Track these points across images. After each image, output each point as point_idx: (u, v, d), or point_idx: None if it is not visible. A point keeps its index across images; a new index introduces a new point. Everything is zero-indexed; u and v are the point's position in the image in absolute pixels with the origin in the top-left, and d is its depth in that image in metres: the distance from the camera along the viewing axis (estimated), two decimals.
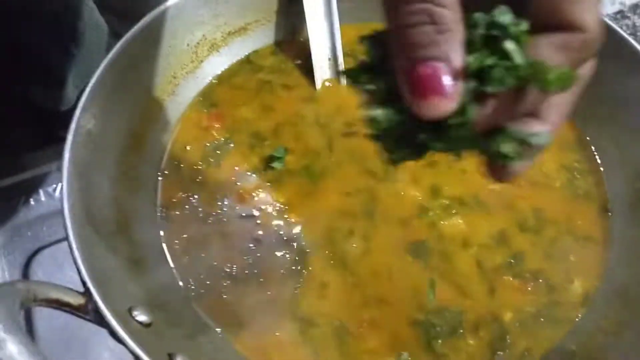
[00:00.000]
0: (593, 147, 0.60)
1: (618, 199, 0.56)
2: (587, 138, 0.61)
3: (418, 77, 0.24)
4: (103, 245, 0.49)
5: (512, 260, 0.54)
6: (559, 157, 0.60)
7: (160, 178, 0.59)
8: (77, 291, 0.44)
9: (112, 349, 0.61)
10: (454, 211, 0.57)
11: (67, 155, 0.49)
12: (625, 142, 0.58)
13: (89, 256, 0.45)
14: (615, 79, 0.58)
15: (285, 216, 0.57)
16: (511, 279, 0.53)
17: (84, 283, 0.44)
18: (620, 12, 1.38)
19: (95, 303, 0.43)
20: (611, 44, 0.56)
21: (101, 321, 0.43)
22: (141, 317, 0.46)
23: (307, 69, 0.67)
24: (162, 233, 0.56)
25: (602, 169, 0.59)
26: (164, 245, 0.56)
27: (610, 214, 0.56)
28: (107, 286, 0.45)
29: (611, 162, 0.59)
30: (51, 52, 0.74)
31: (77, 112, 0.52)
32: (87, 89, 0.53)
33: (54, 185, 0.74)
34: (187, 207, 0.58)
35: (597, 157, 0.60)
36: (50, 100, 0.76)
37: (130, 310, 0.46)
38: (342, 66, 0.67)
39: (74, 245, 0.45)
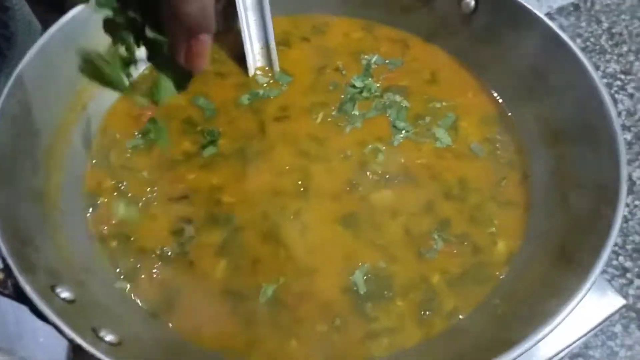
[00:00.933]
0: (514, 120, 0.63)
1: (537, 165, 0.59)
2: (509, 113, 0.64)
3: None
4: (25, 228, 0.48)
5: (438, 226, 0.55)
6: (483, 130, 0.63)
7: (88, 166, 0.59)
8: None
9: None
10: (383, 185, 0.58)
11: None
12: (544, 114, 0.61)
13: (9, 236, 0.44)
14: (535, 59, 0.61)
15: (218, 197, 0.57)
16: (438, 243, 0.54)
17: (3, 259, 0.43)
18: (548, 14, 1.49)
19: (15, 278, 0.42)
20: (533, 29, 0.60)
21: (22, 297, 0.42)
22: (65, 294, 0.45)
23: (240, 58, 0.68)
24: (89, 219, 0.56)
25: (522, 139, 0.61)
26: (90, 231, 0.55)
27: (530, 179, 0.58)
28: (28, 264, 0.44)
29: (530, 132, 0.61)
30: None
31: (2, 97, 0.51)
32: (13, 76, 0.52)
33: None
34: (115, 193, 0.57)
35: (517, 129, 0.62)
36: None
37: (53, 288, 0.45)
38: (274, 53, 0.68)
39: None
